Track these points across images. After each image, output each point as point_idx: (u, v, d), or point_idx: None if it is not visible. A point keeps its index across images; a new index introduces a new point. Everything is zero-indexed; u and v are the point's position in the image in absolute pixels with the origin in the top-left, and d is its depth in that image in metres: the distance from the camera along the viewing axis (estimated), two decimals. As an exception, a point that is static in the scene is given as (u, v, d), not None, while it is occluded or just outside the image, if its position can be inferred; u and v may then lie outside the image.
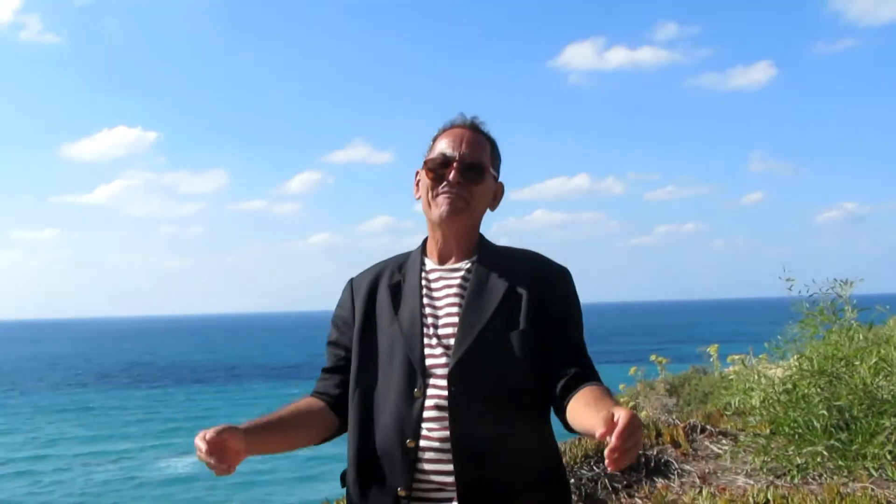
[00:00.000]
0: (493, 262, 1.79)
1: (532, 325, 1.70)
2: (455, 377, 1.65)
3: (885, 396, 4.22)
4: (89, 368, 54.16)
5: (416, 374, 1.68)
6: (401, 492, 1.65)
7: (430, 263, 1.84)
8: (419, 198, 1.85)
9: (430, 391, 1.67)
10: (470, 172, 1.78)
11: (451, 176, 1.76)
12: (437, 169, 1.78)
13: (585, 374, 1.69)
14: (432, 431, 1.65)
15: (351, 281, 1.91)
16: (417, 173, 1.86)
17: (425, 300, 1.77)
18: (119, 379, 46.68)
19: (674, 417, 5.64)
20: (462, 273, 1.79)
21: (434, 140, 1.85)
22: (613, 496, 4.26)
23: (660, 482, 4.38)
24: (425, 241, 1.88)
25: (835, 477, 4.10)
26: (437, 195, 1.78)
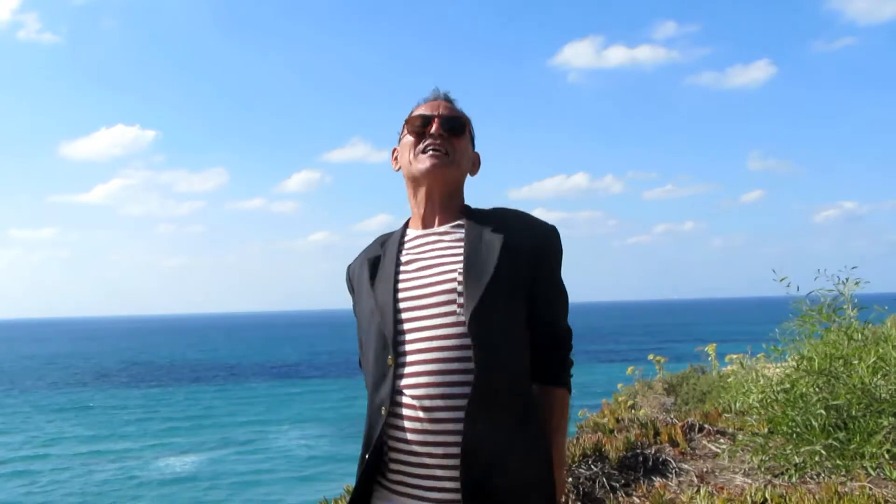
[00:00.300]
0: (484, 221, 1.79)
1: (530, 279, 1.73)
2: (473, 330, 1.63)
3: (883, 396, 4.22)
4: (88, 367, 54.09)
5: (388, 343, 1.70)
6: (366, 456, 1.71)
7: (412, 232, 1.86)
8: (398, 168, 1.89)
9: (409, 358, 1.68)
10: (451, 124, 1.82)
11: (434, 128, 1.80)
12: (418, 127, 1.83)
13: (557, 366, 1.79)
14: (410, 399, 1.66)
15: (348, 268, 1.96)
16: (394, 151, 1.92)
17: (406, 266, 1.78)
18: (118, 378, 46.60)
19: (672, 416, 5.63)
20: (451, 235, 1.79)
21: (409, 115, 1.89)
22: (611, 495, 4.26)
23: (658, 481, 4.38)
24: (408, 220, 1.92)
25: (833, 476, 4.10)
26: (420, 152, 1.81)
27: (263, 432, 25.70)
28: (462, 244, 1.75)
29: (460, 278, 1.68)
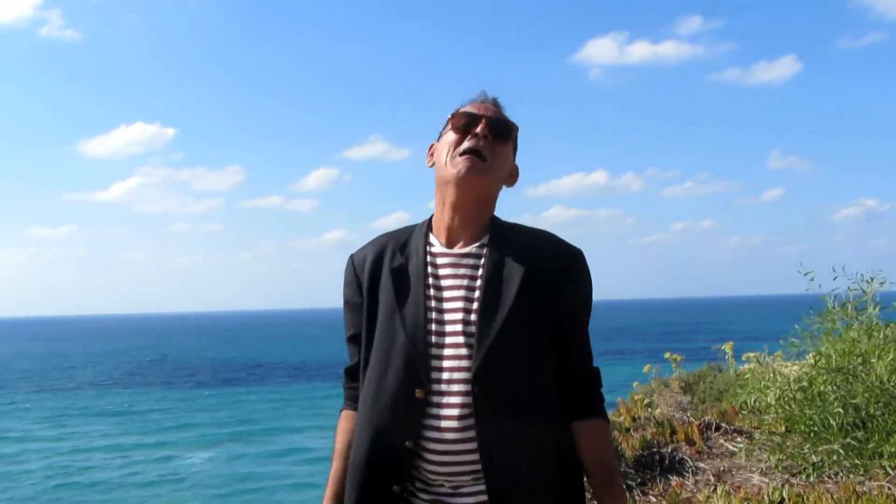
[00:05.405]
0: (507, 245, 1.69)
1: (551, 316, 1.65)
2: (480, 378, 1.58)
3: (901, 394, 4.20)
4: (114, 367, 53.97)
5: (420, 374, 1.61)
6: (395, 489, 1.63)
7: (437, 245, 1.73)
8: (432, 165, 1.77)
9: (437, 387, 1.61)
10: (498, 127, 1.72)
11: (480, 129, 1.69)
12: (463, 126, 1.72)
13: (590, 400, 1.70)
14: (440, 432, 1.60)
15: (352, 258, 1.81)
16: (432, 146, 1.80)
17: (431, 291, 1.67)
18: (145, 377, 46.41)
19: (688, 415, 5.62)
20: (473, 260, 1.68)
21: (455, 112, 1.78)
22: (627, 494, 4.25)
23: (674, 480, 4.37)
24: (431, 217, 1.79)
25: (851, 475, 4.07)
26: (458, 154, 1.70)
27: (303, 437, 25.41)
28: (481, 274, 1.67)
29: (473, 318, 1.62)
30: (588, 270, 1.74)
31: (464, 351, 1.62)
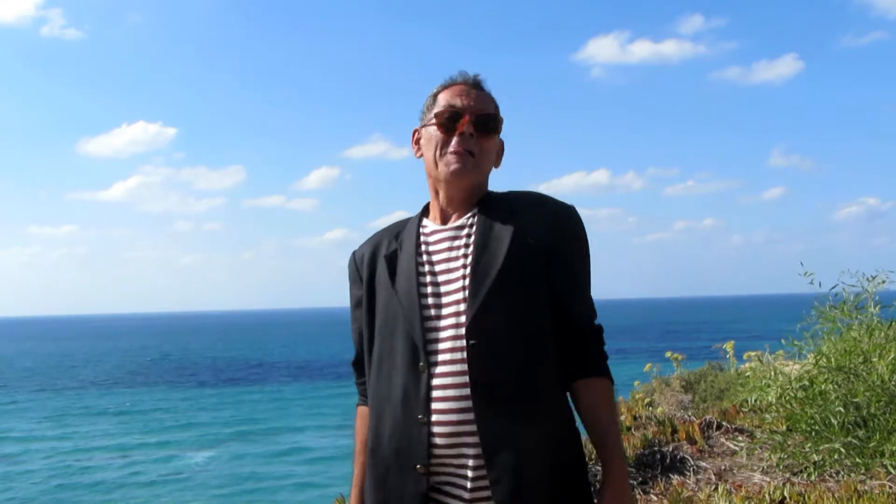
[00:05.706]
0: (496, 209, 1.70)
1: (547, 273, 1.64)
2: (472, 331, 1.58)
3: (903, 393, 4.19)
4: (118, 366, 53.84)
5: (418, 348, 1.62)
6: (420, 468, 1.60)
7: (430, 225, 1.76)
8: (420, 156, 1.78)
9: (439, 357, 1.61)
10: (483, 124, 1.71)
11: (465, 128, 1.68)
12: (447, 123, 1.70)
13: (593, 358, 1.69)
14: (443, 402, 1.59)
15: (353, 254, 1.86)
16: (416, 132, 1.80)
17: (425, 268, 1.69)
18: (146, 377, 46.23)
19: (689, 414, 5.62)
20: (466, 230, 1.70)
21: (434, 97, 1.76)
22: (629, 493, 4.25)
23: (675, 479, 4.38)
24: (426, 206, 1.81)
25: (852, 474, 4.07)
26: (447, 153, 1.70)
27: (306, 437, 25.31)
28: (472, 240, 1.67)
29: (466, 283, 1.62)
30: (582, 225, 1.73)
31: (463, 319, 1.62)
